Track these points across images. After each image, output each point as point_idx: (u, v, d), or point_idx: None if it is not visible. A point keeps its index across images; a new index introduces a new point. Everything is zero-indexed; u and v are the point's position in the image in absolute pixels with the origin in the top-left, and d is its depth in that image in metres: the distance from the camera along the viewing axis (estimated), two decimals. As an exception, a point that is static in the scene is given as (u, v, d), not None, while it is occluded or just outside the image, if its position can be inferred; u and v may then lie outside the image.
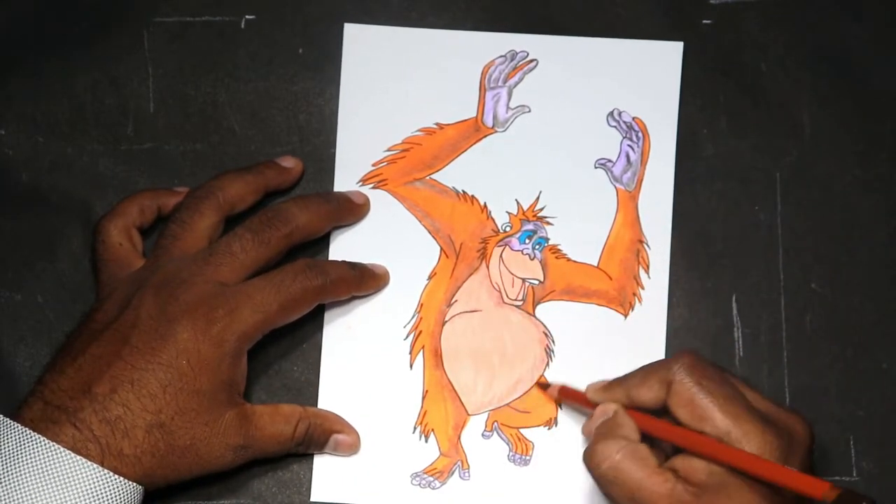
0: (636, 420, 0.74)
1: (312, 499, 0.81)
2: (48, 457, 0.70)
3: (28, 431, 0.71)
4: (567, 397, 0.81)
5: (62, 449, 0.70)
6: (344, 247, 0.84)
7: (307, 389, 0.83)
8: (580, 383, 0.81)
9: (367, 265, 0.82)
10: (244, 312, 0.75)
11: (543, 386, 0.83)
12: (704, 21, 0.86)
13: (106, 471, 0.71)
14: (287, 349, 0.83)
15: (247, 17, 0.86)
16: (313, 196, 0.82)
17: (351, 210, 0.83)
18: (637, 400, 0.75)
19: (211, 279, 0.76)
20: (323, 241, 0.83)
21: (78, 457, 0.70)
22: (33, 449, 0.70)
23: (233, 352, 0.75)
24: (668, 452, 0.74)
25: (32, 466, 0.70)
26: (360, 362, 0.83)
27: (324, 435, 0.80)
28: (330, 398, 0.82)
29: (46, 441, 0.70)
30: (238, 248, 0.77)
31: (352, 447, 0.81)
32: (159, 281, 0.76)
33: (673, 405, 0.72)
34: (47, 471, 0.70)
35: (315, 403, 0.82)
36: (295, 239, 0.80)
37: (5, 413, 0.73)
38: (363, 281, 0.82)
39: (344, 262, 0.82)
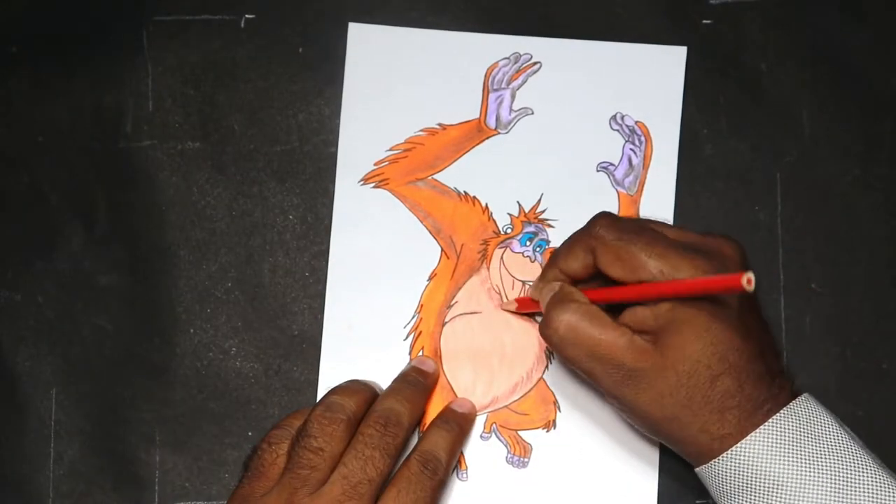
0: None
1: (312, 498, 0.81)
2: None
3: None
4: (522, 306, 0.82)
5: None
6: (345, 247, 0.83)
7: (307, 389, 0.83)
8: (580, 386, 0.81)
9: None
10: None
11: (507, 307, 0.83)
12: (704, 21, 0.86)
13: None
14: (287, 349, 0.83)
15: (246, 16, 0.86)
16: (401, 386, 0.81)
17: (432, 383, 0.83)
18: (570, 272, 0.76)
19: None
20: (324, 242, 0.83)
21: None
22: None
23: None
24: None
25: None
26: (360, 362, 0.83)
27: None
28: (329, 398, 0.82)
29: None
30: (372, 471, 0.75)
31: None
32: None
33: (603, 266, 0.74)
34: None
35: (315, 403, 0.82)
36: (408, 437, 0.79)
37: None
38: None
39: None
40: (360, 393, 0.79)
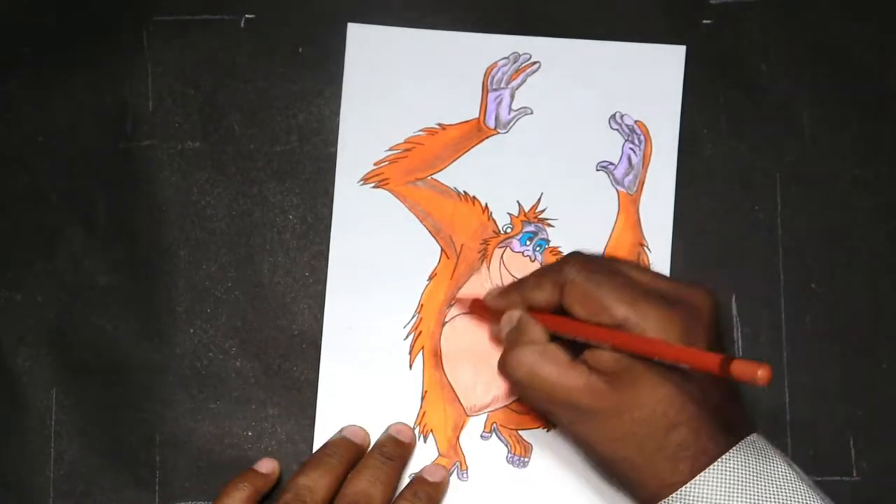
0: (540, 321, 0.75)
1: (312, 498, 0.81)
2: None
3: None
4: (476, 307, 0.82)
5: None
6: (345, 247, 0.83)
7: (307, 389, 0.83)
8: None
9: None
10: None
11: (461, 301, 0.83)
12: (704, 21, 0.86)
13: None
14: (287, 349, 0.83)
15: (246, 16, 0.86)
16: (375, 463, 0.79)
17: (409, 454, 0.82)
18: (533, 302, 0.76)
19: None
20: (324, 241, 0.83)
21: None
22: None
23: None
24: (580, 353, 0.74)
25: None
26: (360, 362, 0.83)
27: None
28: (329, 398, 0.82)
29: None
30: None
31: None
32: None
33: (568, 304, 0.73)
34: None
35: (315, 403, 0.82)
36: None
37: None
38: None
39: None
40: (333, 471, 0.78)
